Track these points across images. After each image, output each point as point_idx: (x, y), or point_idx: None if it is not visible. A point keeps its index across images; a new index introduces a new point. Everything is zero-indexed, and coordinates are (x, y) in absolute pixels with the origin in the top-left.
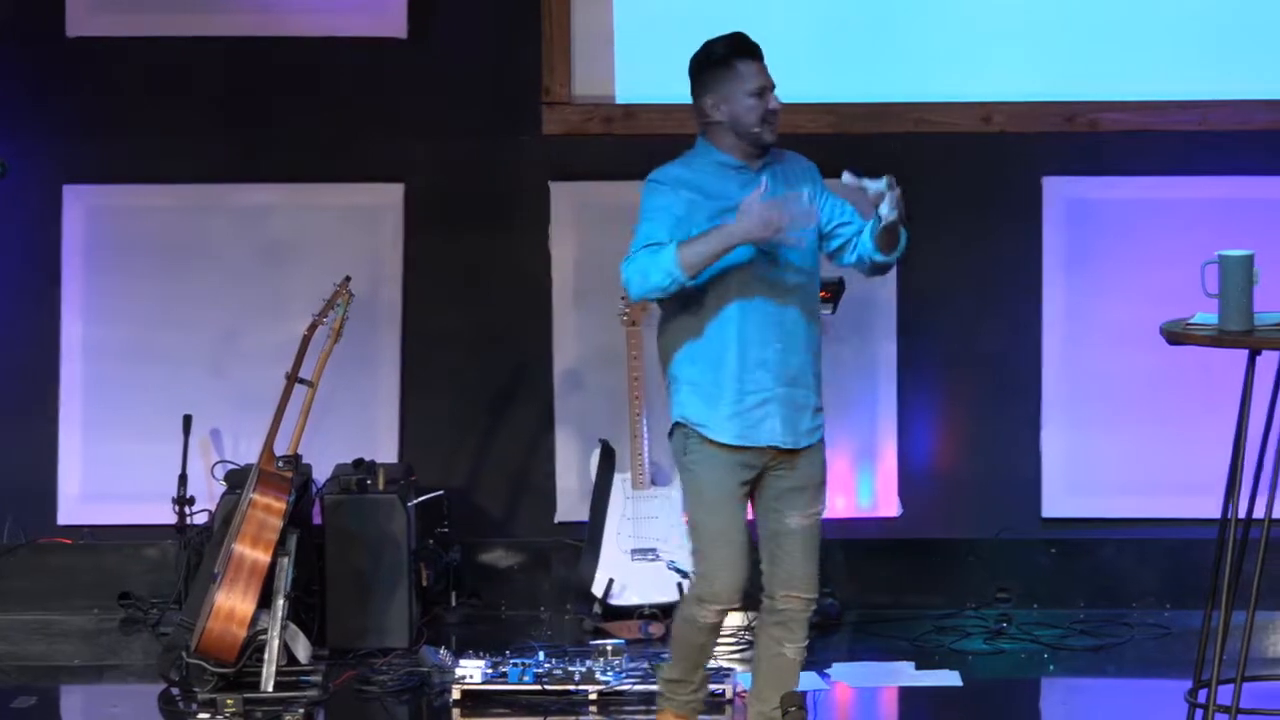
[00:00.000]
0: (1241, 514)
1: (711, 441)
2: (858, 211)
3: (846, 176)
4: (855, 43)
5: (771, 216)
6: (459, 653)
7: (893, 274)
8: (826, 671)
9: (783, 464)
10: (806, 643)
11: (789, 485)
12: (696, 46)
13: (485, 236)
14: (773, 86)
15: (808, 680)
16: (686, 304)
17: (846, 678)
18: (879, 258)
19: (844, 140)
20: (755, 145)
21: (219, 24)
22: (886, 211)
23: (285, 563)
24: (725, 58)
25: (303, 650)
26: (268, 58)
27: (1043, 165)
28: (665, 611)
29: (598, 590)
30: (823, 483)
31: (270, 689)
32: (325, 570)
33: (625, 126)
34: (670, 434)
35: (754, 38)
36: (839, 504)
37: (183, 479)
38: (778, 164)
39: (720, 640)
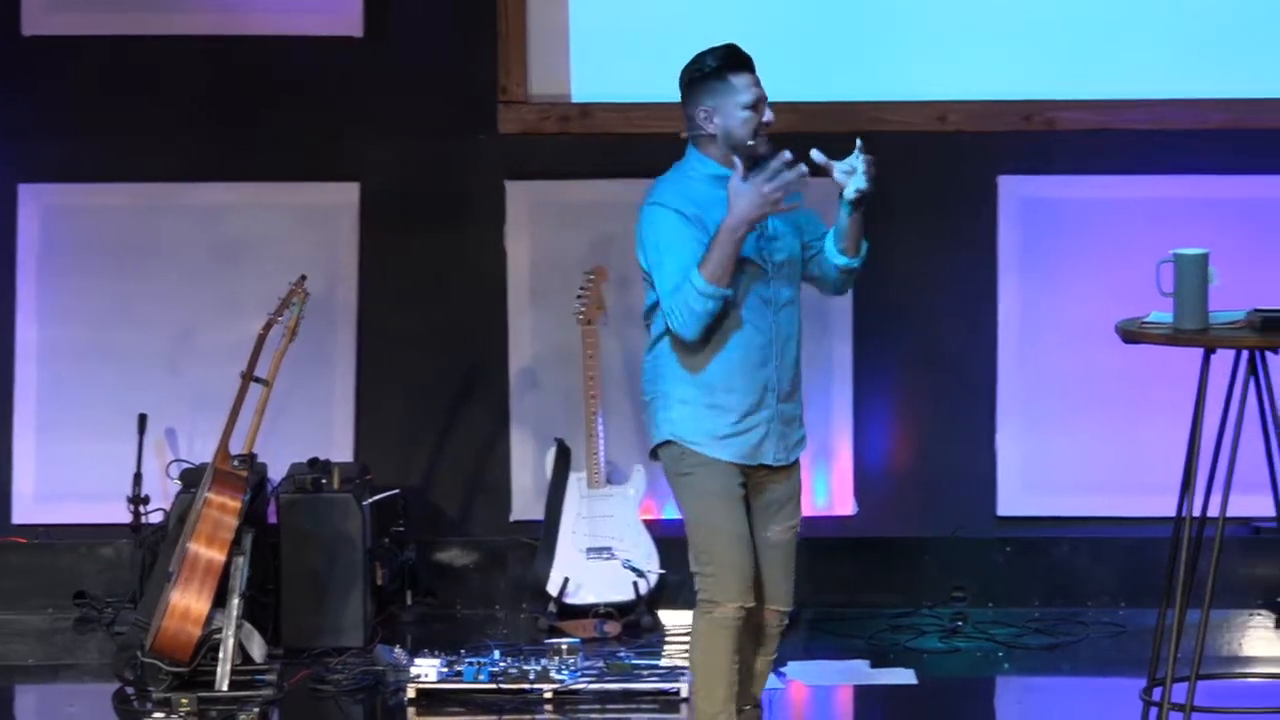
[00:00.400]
0: (1196, 512)
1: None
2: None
3: (815, 154)
4: (812, 41)
5: (763, 191)
6: (414, 651)
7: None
8: (782, 670)
9: (769, 479)
10: (776, 654)
11: (773, 498)
12: (652, 44)
13: (441, 236)
14: (765, 99)
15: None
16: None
17: (802, 676)
18: (842, 261)
19: (801, 138)
20: (749, 158)
21: (175, 23)
22: (858, 186)
23: (240, 562)
24: (718, 70)
25: (258, 649)
26: (224, 57)
27: (998, 164)
28: (621, 610)
29: (553, 589)
30: (800, 494)
31: (225, 688)
32: (280, 569)
33: (581, 125)
34: (654, 453)
35: (706, 36)
36: None
37: (138, 478)
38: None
39: (674, 637)
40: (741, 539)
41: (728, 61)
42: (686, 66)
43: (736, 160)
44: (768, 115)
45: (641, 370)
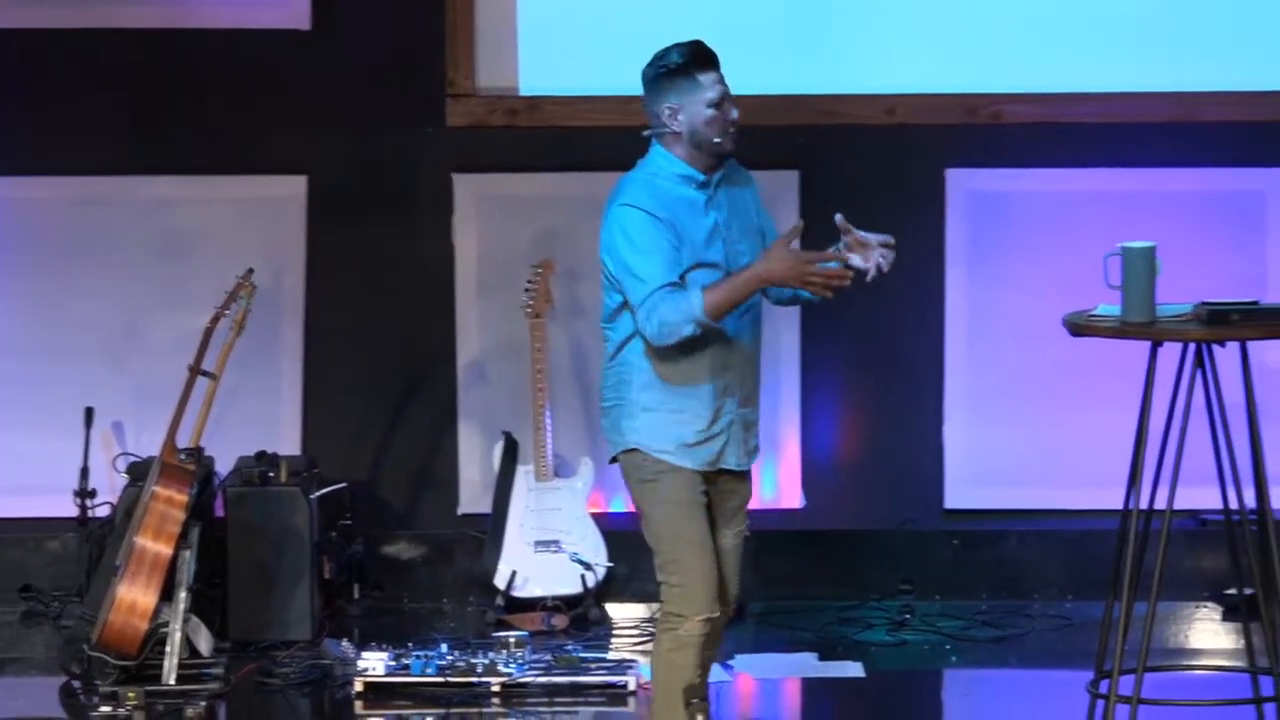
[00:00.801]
0: (1143, 505)
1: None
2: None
3: (839, 219)
4: (760, 34)
5: (803, 270)
6: (361, 645)
7: None
8: (729, 663)
9: (728, 485)
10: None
11: (730, 505)
12: (600, 37)
13: (389, 229)
14: (730, 96)
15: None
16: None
17: (750, 669)
18: (805, 295)
19: (748, 132)
20: (714, 156)
21: (120, 15)
22: (866, 272)
23: (187, 555)
24: (683, 67)
25: (204, 643)
26: (169, 49)
27: (945, 157)
28: (568, 603)
29: (500, 582)
30: (749, 498)
31: (172, 681)
32: (227, 563)
33: (529, 118)
34: (615, 459)
35: (654, 29)
36: None
37: (84, 472)
38: (724, 172)
39: (621, 631)
40: (708, 549)
41: (693, 58)
42: (650, 63)
43: (799, 223)
44: (733, 113)
45: (602, 376)
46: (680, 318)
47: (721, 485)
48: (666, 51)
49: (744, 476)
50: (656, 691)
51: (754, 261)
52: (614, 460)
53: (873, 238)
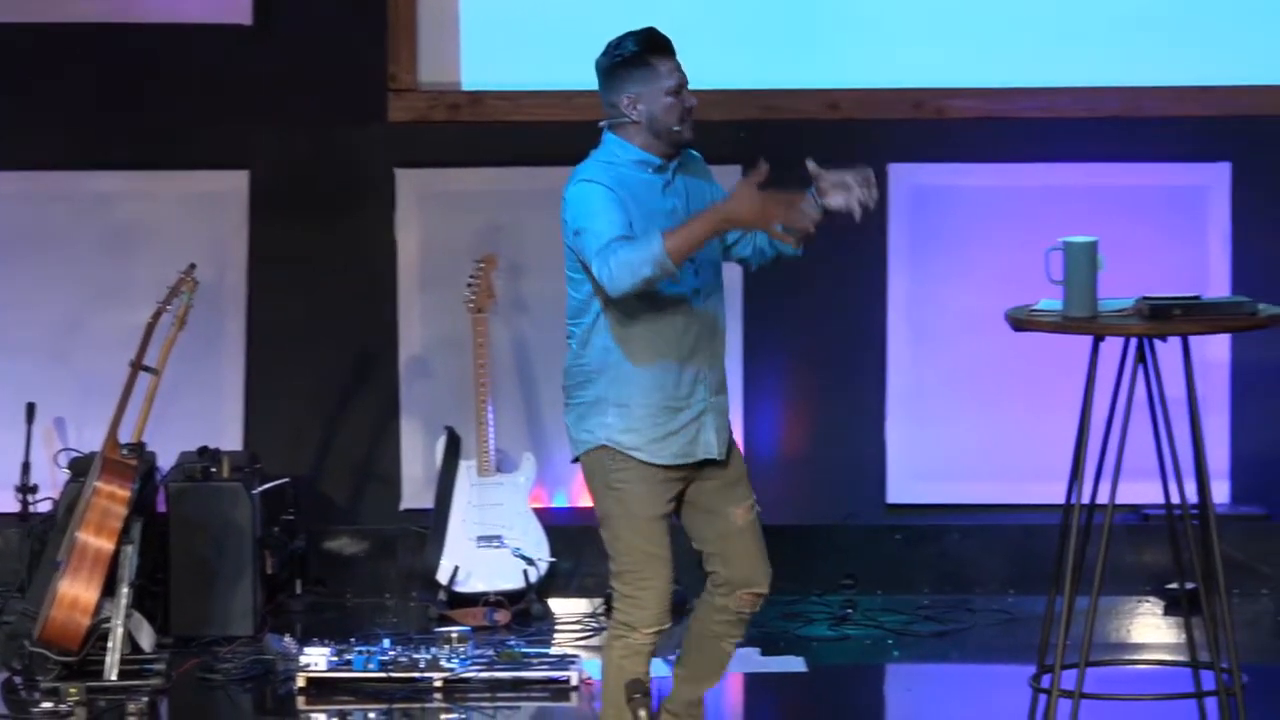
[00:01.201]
0: (1085, 500)
1: (643, 462)
2: None
3: (810, 164)
4: (701, 28)
5: (769, 210)
6: (304, 640)
7: None
8: (670, 658)
9: (712, 471)
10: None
11: (722, 483)
12: (542, 32)
13: (331, 224)
14: (687, 82)
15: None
16: (620, 320)
17: None
18: (789, 251)
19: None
20: (673, 143)
21: (61, 10)
22: (848, 206)
23: (129, 551)
24: (640, 55)
25: (146, 638)
26: (112, 44)
27: (888, 152)
28: (511, 598)
29: (443, 577)
30: (747, 473)
31: (114, 677)
32: (169, 558)
33: (471, 113)
34: (579, 458)
35: (596, 24)
36: None
37: (26, 467)
38: (682, 161)
39: (563, 626)
40: (667, 561)
41: (649, 45)
42: (605, 52)
43: (762, 163)
44: (690, 99)
45: (565, 373)
46: (640, 257)
47: (706, 473)
48: (621, 40)
49: (730, 450)
50: (607, 695)
51: (718, 201)
52: (576, 460)
53: (849, 175)
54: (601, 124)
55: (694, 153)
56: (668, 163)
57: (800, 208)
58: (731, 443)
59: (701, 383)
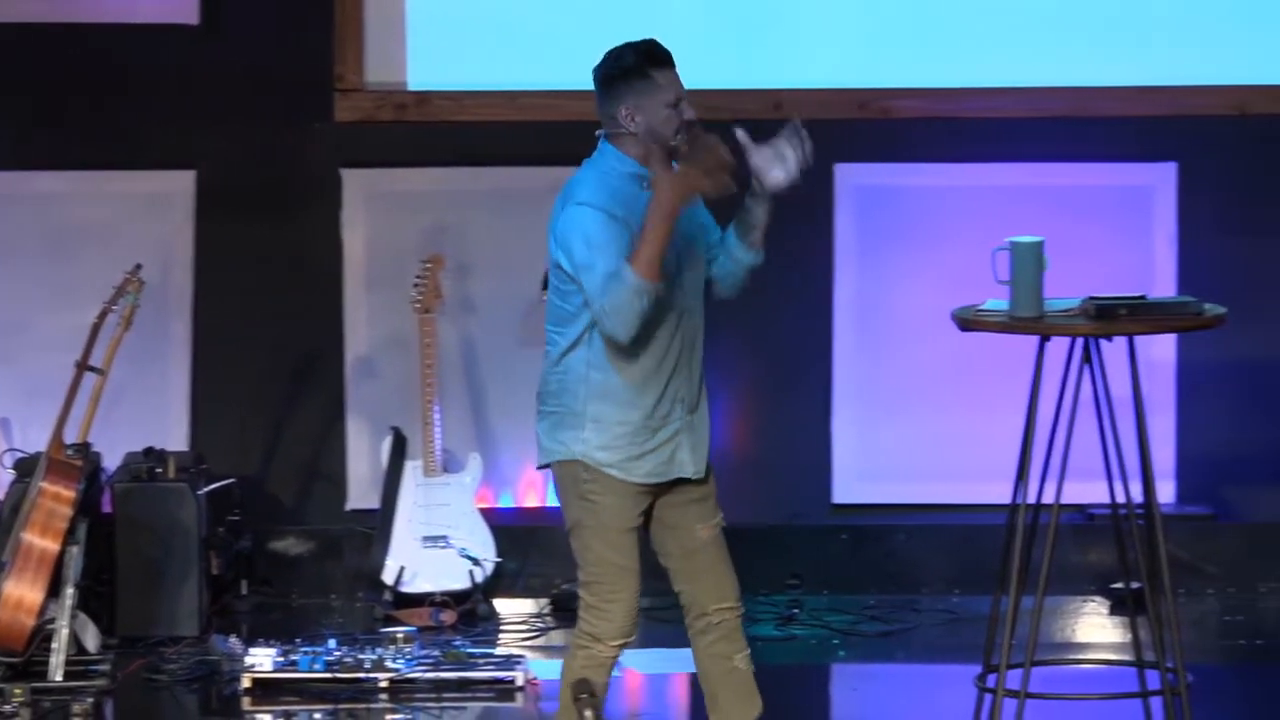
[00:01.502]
0: (1031, 499)
1: (616, 478)
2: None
3: (740, 134)
4: (645, 28)
5: (691, 178)
6: (249, 641)
7: None
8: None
9: (685, 488)
10: (748, 649)
11: (689, 498)
12: (488, 32)
13: (277, 224)
14: (685, 95)
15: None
16: (604, 338)
17: (636, 664)
18: (748, 257)
19: None
20: (671, 157)
21: (5, 10)
22: (788, 176)
23: (75, 551)
24: (640, 67)
25: (92, 639)
26: (57, 45)
27: (834, 152)
28: (457, 599)
29: (389, 578)
30: (715, 491)
31: (59, 678)
32: (115, 559)
33: (418, 113)
34: (548, 465)
35: (545, 24)
36: None
37: None
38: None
39: (509, 626)
40: (635, 574)
41: (649, 58)
42: (605, 62)
43: (655, 149)
44: (689, 112)
45: (542, 380)
46: (625, 297)
47: (677, 489)
48: (621, 51)
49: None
50: (564, 702)
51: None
52: (544, 467)
53: (781, 142)
54: (599, 133)
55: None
56: None
57: (710, 156)
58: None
59: (680, 402)
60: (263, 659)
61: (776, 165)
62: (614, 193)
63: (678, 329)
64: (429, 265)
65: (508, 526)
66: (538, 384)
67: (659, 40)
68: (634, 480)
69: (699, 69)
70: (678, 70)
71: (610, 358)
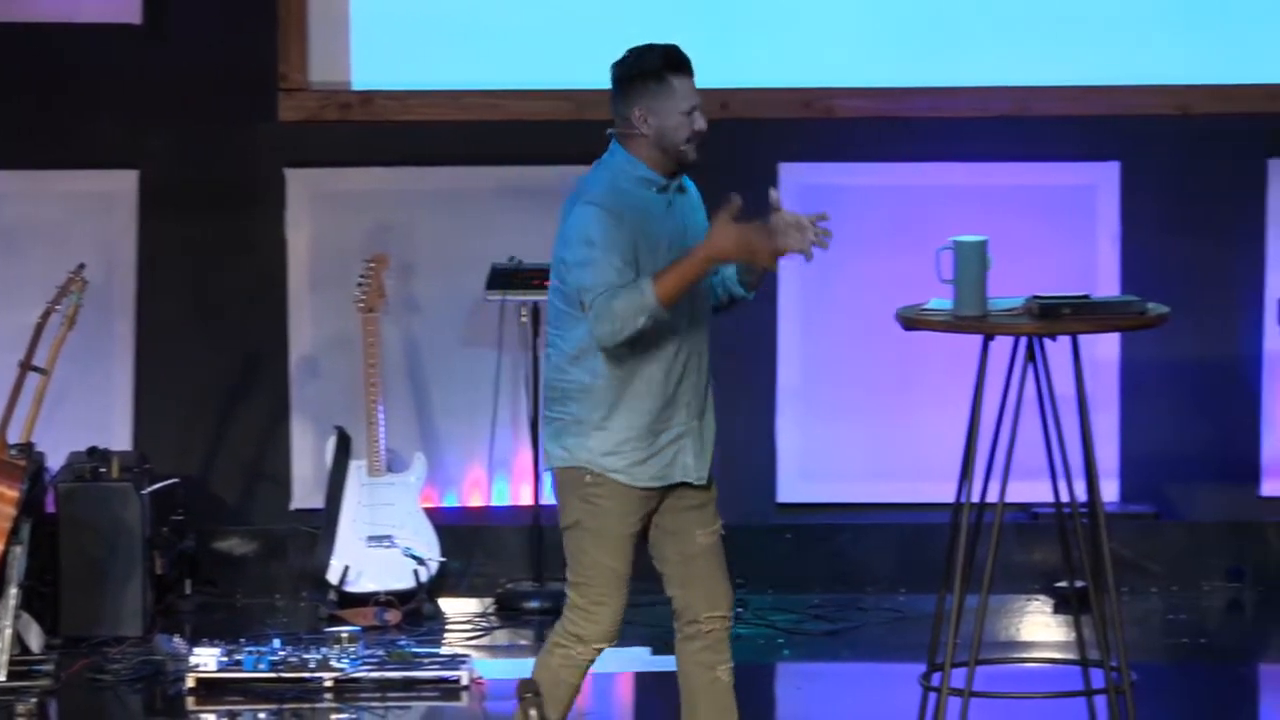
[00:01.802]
0: (975, 498)
1: (621, 483)
2: None
3: (773, 194)
4: (591, 27)
5: (752, 240)
6: (194, 641)
7: None
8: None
9: (688, 493)
10: (732, 662)
11: (690, 505)
12: (432, 32)
13: (221, 224)
14: (700, 105)
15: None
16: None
17: None
18: (741, 293)
19: (580, 126)
20: (679, 164)
21: None
22: (788, 242)
23: (18, 552)
24: (659, 71)
25: (35, 639)
26: (0, 43)
27: (779, 151)
28: (401, 598)
29: (333, 577)
30: (716, 498)
31: (2, 678)
32: (59, 559)
33: (362, 113)
34: (550, 469)
35: (490, 22)
36: None
37: None
38: (678, 183)
39: (453, 625)
40: (626, 580)
41: (670, 63)
42: (625, 62)
43: (734, 197)
44: (701, 122)
45: (546, 385)
46: (633, 309)
47: (678, 494)
48: (642, 53)
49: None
50: (546, 699)
51: (698, 244)
52: (547, 470)
53: (805, 217)
54: (609, 131)
55: (688, 180)
56: (669, 183)
57: (782, 232)
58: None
59: (685, 407)
60: (207, 659)
61: (794, 231)
62: (624, 194)
63: (687, 335)
64: (373, 265)
65: (452, 526)
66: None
67: (679, 47)
68: (639, 485)
69: None
70: (694, 79)
71: (619, 365)
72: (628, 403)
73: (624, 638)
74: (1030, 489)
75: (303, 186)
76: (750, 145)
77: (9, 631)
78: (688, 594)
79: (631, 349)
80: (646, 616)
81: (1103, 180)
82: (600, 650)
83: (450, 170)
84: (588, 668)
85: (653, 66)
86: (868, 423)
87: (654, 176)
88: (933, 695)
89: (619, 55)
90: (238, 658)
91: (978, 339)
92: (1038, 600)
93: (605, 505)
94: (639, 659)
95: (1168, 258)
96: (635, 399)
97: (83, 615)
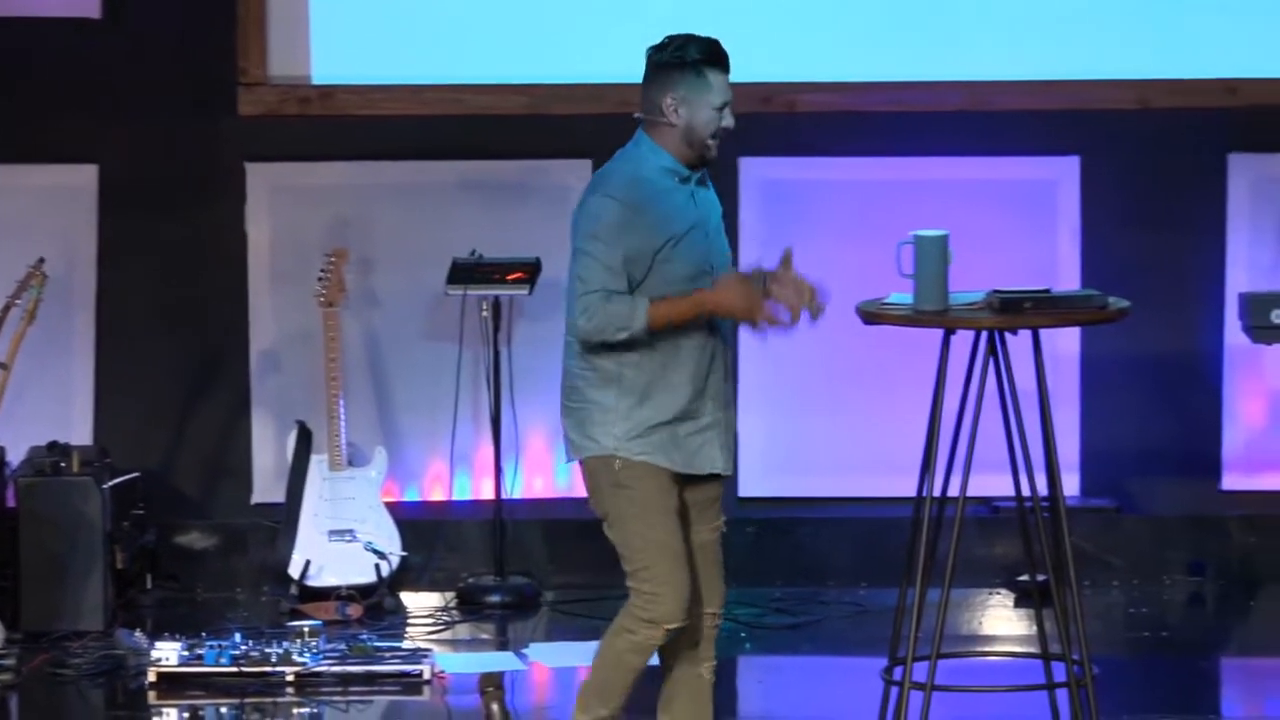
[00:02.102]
0: (936, 492)
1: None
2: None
3: (787, 250)
4: (551, 21)
5: (757, 306)
6: (155, 635)
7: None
8: (524, 651)
9: (702, 484)
10: (715, 661)
11: (702, 498)
12: (392, 26)
13: (181, 218)
14: (732, 102)
15: (504, 661)
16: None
17: (544, 658)
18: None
19: (538, 121)
20: (700, 156)
21: None
22: (785, 302)
23: None
24: (697, 64)
25: None
26: None
27: (739, 146)
28: (363, 592)
29: (294, 572)
30: (722, 495)
31: None
32: (19, 553)
33: (322, 107)
34: (577, 460)
35: (450, 17)
36: (536, 484)
37: None
38: (699, 177)
39: (415, 619)
40: (680, 555)
41: (710, 56)
42: (662, 48)
43: (762, 272)
44: (729, 119)
45: (565, 373)
46: (621, 322)
47: (696, 487)
48: (683, 43)
49: (719, 476)
50: (597, 678)
51: (707, 288)
52: (572, 461)
53: (807, 283)
54: (637, 115)
55: (712, 185)
56: (691, 175)
57: (782, 283)
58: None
59: (712, 398)
60: (168, 653)
61: (790, 288)
62: (645, 184)
63: (716, 327)
64: (333, 259)
65: (413, 520)
66: (559, 376)
67: (721, 42)
68: (665, 467)
69: (608, 65)
70: (729, 76)
71: (654, 352)
72: (660, 391)
73: (585, 631)
74: (991, 483)
75: (263, 181)
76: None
77: None
78: (699, 583)
79: (662, 337)
80: (606, 611)
81: (1063, 174)
82: (670, 631)
83: (411, 165)
84: (654, 651)
85: (691, 58)
86: (829, 417)
87: (678, 167)
88: (895, 689)
89: (659, 41)
90: (199, 652)
91: (939, 333)
92: (999, 594)
93: (641, 484)
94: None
95: (1128, 252)
96: (668, 389)
97: (43, 610)
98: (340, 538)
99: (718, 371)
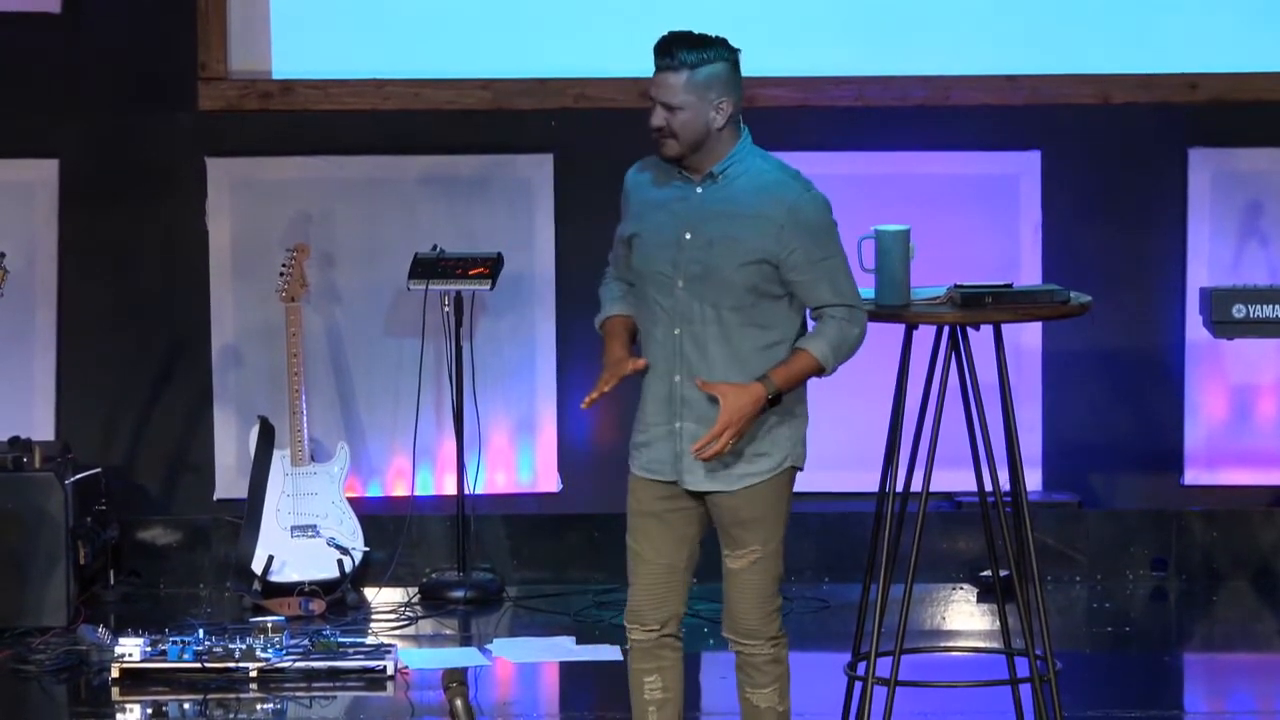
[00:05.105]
0: (899, 487)
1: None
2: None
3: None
4: (514, 16)
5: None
6: (118, 631)
7: (550, 249)
8: (487, 647)
9: (717, 501)
10: (771, 689)
11: (721, 522)
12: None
13: (142, 213)
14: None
15: (467, 656)
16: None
17: (507, 653)
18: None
19: (501, 116)
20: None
21: None
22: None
23: None
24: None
25: None
26: None
27: None
28: (325, 588)
29: (257, 567)
30: (752, 520)
31: None
32: None
33: (282, 102)
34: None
35: (411, 11)
36: (499, 479)
37: None
38: (717, 185)
39: (378, 615)
40: (649, 563)
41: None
42: (730, 48)
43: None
44: (654, 119)
45: None
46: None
47: (712, 503)
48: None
49: (730, 496)
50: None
51: (613, 338)
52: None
53: (719, 421)
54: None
55: (753, 173)
56: (693, 177)
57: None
58: (749, 486)
59: (683, 404)
60: (131, 649)
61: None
62: (650, 172)
63: (678, 334)
64: (294, 254)
65: (376, 516)
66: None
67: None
68: (635, 471)
69: (569, 60)
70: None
71: (643, 346)
72: (643, 390)
73: (548, 627)
74: (954, 478)
75: (223, 175)
76: None
77: None
78: (724, 609)
79: (644, 329)
80: (570, 606)
81: (1024, 169)
82: (646, 635)
83: (372, 159)
84: (641, 651)
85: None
86: None
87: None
88: (858, 684)
89: (724, 37)
90: (162, 648)
91: (900, 328)
92: (962, 589)
93: (630, 494)
94: (563, 649)
95: (1090, 247)
96: (644, 388)
97: (6, 606)
98: (303, 533)
99: (678, 378)
